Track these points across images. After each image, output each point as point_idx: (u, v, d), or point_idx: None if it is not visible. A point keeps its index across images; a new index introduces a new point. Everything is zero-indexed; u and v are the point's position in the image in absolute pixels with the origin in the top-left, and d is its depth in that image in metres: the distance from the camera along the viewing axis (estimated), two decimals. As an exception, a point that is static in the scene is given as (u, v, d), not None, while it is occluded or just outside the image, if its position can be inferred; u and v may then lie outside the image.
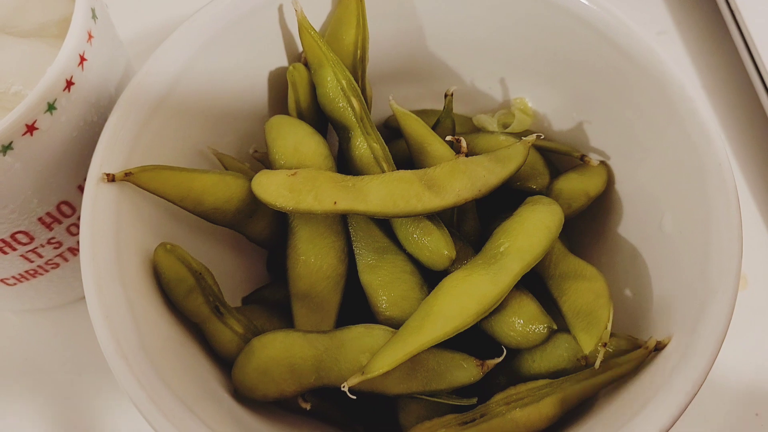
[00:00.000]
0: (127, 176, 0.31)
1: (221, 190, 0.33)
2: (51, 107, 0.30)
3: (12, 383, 0.42)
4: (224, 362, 0.33)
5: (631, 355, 0.30)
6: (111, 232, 0.30)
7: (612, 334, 0.31)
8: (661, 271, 0.33)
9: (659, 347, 0.29)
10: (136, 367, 0.28)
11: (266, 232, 0.35)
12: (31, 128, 0.30)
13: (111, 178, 0.30)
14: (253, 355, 0.32)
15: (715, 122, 0.31)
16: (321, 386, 0.31)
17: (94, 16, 0.32)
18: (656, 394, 0.27)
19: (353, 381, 0.29)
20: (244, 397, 0.32)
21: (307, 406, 0.32)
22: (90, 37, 0.32)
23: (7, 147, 0.29)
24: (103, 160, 0.31)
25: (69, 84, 0.31)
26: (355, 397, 0.29)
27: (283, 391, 0.31)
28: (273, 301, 0.37)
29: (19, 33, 0.34)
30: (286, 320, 0.35)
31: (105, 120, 0.32)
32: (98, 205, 0.30)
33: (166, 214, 0.34)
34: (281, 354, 0.31)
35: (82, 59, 0.31)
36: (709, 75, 0.53)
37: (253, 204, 0.33)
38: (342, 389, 0.29)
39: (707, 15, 0.55)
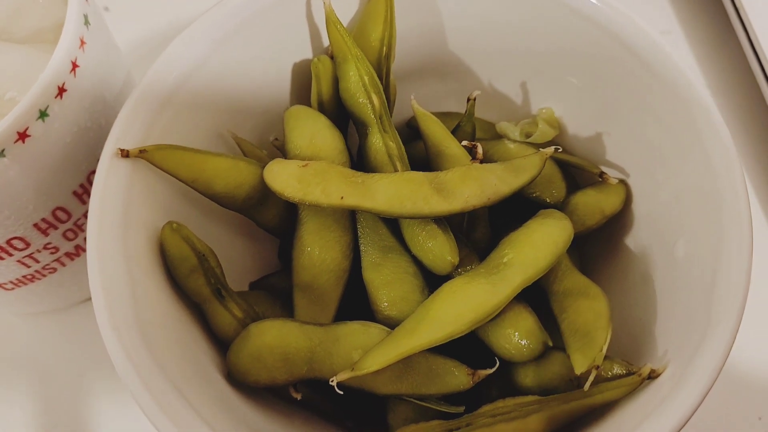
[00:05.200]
0: (142, 153, 0.31)
1: (233, 175, 0.33)
2: (43, 114, 0.30)
3: (16, 384, 0.42)
4: (222, 345, 0.34)
5: (624, 380, 0.29)
6: (120, 206, 0.31)
7: (606, 357, 0.30)
8: (668, 297, 0.32)
9: (653, 375, 0.29)
10: (128, 339, 0.28)
11: (276, 221, 0.36)
12: (23, 135, 0.30)
13: (125, 154, 0.31)
14: (249, 341, 0.32)
15: (734, 148, 0.30)
16: (312, 378, 0.32)
17: (86, 23, 0.32)
18: (641, 424, 0.26)
19: (342, 376, 0.29)
20: (236, 381, 0.32)
21: (298, 396, 0.32)
22: (82, 43, 0.32)
23: (0, 155, 0.29)
24: (120, 134, 0.31)
25: (61, 91, 0.31)
26: (342, 393, 0.29)
27: (274, 379, 0.32)
28: (279, 289, 0.37)
29: (15, 39, 0.34)
30: (288, 309, 0.35)
31: (99, 125, 0.32)
32: (110, 179, 0.31)
33: (178, 195, 0.34)
34: (276, 342, 0.32)
35: (75, 66, 0.31)
36: (713, 75, 0.52)
37: (264, 192, 0.34)
38: (330, 383, 0.29)
39: (712, 14, 0.54)
